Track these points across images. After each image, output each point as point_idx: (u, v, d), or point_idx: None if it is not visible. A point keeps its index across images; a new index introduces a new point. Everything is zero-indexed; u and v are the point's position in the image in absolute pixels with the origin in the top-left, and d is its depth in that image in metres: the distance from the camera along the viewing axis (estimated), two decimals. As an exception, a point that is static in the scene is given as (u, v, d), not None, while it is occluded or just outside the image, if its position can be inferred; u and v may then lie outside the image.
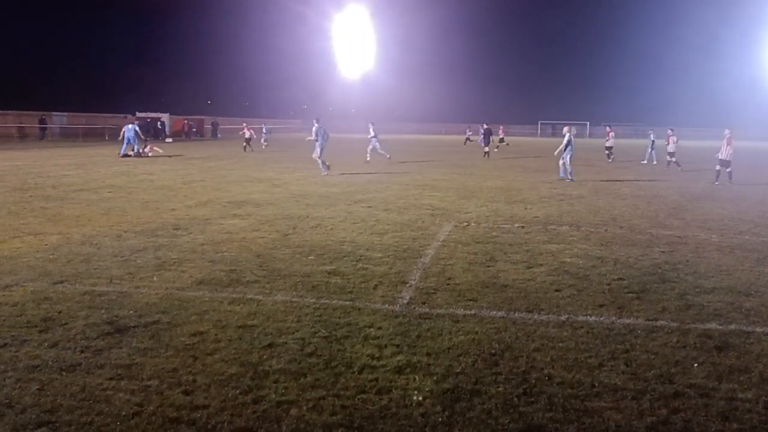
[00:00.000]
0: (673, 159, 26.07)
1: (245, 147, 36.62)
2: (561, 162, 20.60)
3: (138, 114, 55.96)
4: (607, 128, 34.04)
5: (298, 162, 27.40)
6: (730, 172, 20.33)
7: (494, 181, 19.97)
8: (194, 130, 60.90)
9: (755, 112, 77.51)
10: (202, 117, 68.54)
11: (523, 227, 11.16)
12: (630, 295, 6.80)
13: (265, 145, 41.45)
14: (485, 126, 36.13)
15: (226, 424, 3.88)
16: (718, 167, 20.64)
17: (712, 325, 5.83)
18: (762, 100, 77.01)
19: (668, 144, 26.53)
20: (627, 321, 5.92)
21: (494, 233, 10.49)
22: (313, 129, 20.92)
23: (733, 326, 5.81)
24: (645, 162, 29.70)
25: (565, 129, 20.79)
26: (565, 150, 20.29)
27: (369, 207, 13.43)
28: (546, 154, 35.59)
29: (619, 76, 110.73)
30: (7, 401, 4.11)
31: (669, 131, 26.89)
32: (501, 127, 47.07)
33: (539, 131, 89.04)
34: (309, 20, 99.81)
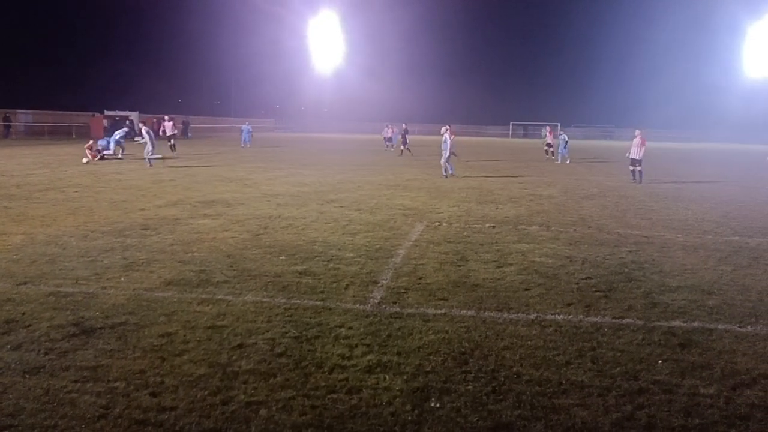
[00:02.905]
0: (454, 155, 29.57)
1: (172, 147, 31.80)
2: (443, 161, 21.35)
3: (107, 112, 54.98)
4: (547, 128, 36.38)
5: (269, 161, 27.24)
6: (639, 172, 20.81)
7: (466, 181, 20.10)
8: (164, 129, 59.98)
9: (723, 115, 79.40)
10: (173, 116, 67.55)
11: (493, 227, 11.26)
12: (597, 293, 6.92)
13: (248, 146, 39.95)
14: (404, 126, 36.73)
15: (194, 425, 3.84)
16: (631, 167, 21.23)
17: (676, 323, 5.97)
18: (729, 104, 78.86)
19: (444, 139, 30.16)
20: (594, 319, 6.02)
21: (465, 233, 10.57)
22: (143, 130, 23.81)
23: (696, 324, 5.95)
24: (559, 162, 30.51)
25: (443, 129, 21.56)
26: (444, 149, 21.05)
27: (341, 207, 13.41)
28: (515, 154, 36.00)
29: (591, 77, 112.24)
30: (-33, 405, 4.01)
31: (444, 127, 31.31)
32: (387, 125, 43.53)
33: (511, 132, 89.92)
34: (281, 19, 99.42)
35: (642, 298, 6.79)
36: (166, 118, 35.15)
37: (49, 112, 54.54)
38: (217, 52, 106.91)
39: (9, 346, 5.00)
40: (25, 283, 6.81)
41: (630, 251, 9.28)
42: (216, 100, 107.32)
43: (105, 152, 26.59)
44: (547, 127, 36.35)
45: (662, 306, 6.50)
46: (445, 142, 21.03)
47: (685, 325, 5.93)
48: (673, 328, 5.83)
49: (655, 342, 5.44)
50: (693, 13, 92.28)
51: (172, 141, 32.64)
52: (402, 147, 34.75)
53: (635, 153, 20.86)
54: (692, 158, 39.74)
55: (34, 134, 48.92)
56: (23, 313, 5.80)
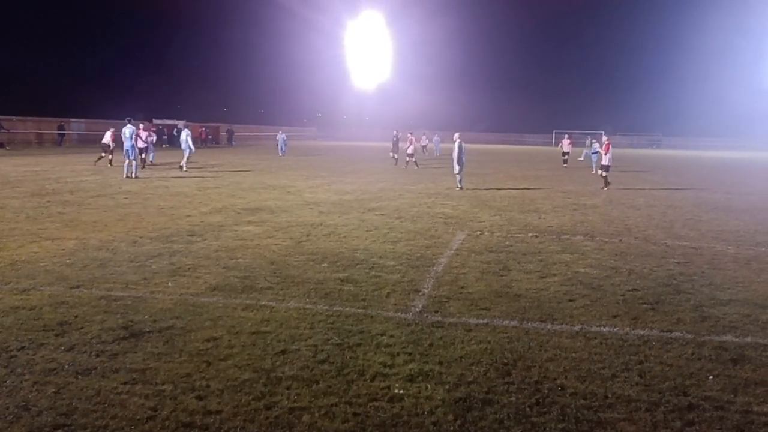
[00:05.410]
0: (413, 158, 30.07)
1: (101, 158, 26.29)
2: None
3: (155, 121, 56.53)
4: (565, 136, 37.35)
5: (311, 169, 27.54)
6: (605, 177, 21.15)
7: (507, 191, 19.93)
8: (210, 137, 61.36)
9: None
10: (218, 124, 69.06)
11: (536, 237, 11.12)
12: (644, 306, 6.75)
13: (282, 154, 40.69)
14: (395, 132, 34.14)
15: (239, 429, 3.90)
16: (601, 173, 21.57)
17: (728, 338, 5.78)
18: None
19: (408, 146, 30.44)
20: (641, 332, 5.88)
21: (507, 242, 10.46)
22: (128, 131, 22.39)
23: (749, 339, 5.75)
24: (594, 172, 29.45)
25: (456, 136, 19.99)
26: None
27: (382, 215, 13.46)
28: (558, 163, 35.44)
29: (636, 84, 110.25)
30: (24, 404, 4.17)
31: (409, 134, 31.48)
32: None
33: (554, 140, 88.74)
34: (323, 28, 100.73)
35: (691, 311, 6.60)
36: (141, 126, 26.43)
37: (101, 120, 56.38)
38: (261, 62, 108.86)
39: (63, 348, 5.18)
40: (78, 287, 7.04)
41: (678, 263, 9.03)
42: (260, 108, 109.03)
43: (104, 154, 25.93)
44: (566, 136, 36.64)
45: (713, 320, 6.30)
46: (456, 150, 19.45)
47: (737, 340, 5.73)
48: (724, 342, 5.64)
49: (706, 357, 5.27)
50: (741, 18, 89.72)
51: (143, 155, 25.92)
52: (391, 153, 32.24)
53: (603, 159, 21.42)
54: (743, 167, 38.47)
55: (86, 142, 50.62)
56: (76, 316, 5.99)
